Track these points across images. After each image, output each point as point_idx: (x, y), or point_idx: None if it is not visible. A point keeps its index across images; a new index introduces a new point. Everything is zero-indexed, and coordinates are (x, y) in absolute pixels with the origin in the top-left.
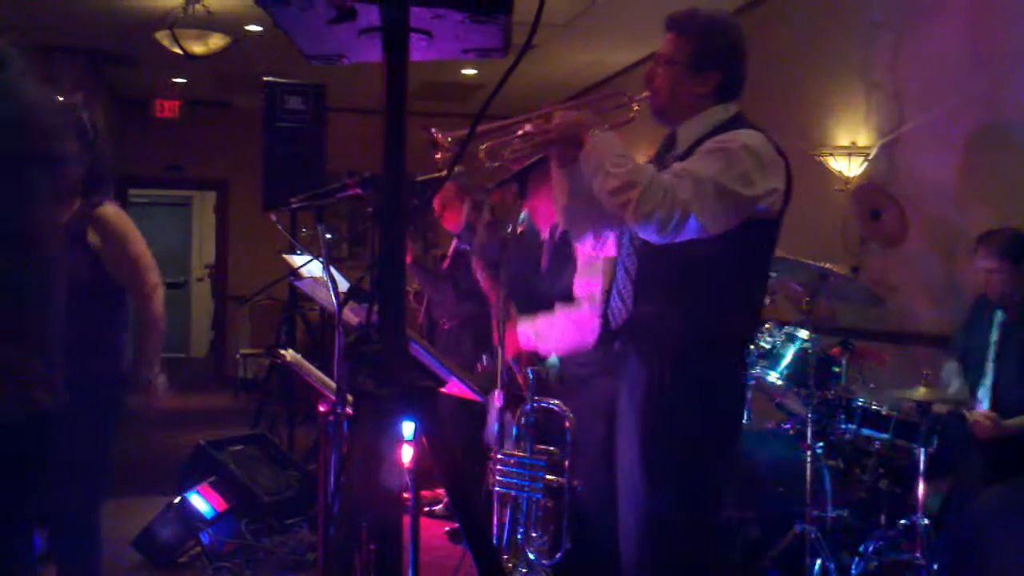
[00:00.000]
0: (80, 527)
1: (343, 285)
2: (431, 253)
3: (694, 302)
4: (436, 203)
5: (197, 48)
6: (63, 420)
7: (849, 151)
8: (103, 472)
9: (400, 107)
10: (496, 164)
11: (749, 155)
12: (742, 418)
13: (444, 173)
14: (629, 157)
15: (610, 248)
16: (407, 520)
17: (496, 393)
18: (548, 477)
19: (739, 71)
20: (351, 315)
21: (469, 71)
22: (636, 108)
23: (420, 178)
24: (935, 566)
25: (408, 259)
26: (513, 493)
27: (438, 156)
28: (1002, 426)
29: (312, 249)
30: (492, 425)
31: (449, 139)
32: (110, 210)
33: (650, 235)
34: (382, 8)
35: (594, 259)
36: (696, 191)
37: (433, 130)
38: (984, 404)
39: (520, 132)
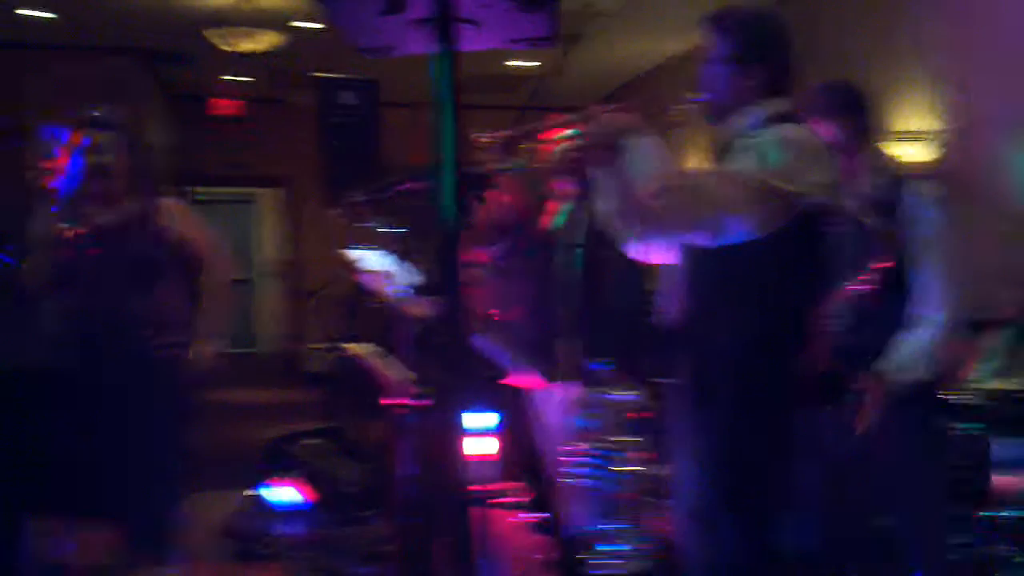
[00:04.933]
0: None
1: (406, 278)
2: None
3: (743, 302)
4: (494, 193)
5: (247, 45)
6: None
7: (911, 137)
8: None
9: (451, 97)
10: (538, 165)
11: (791, 149)
12: (793, 421)
13: (500, 166)
14: (671, 161)
15: (657, 253)
16: (479, 511)
17: (567, 384)
18: (620, 468)
19: (785, 63)
20: (415, 308)
21: (518, 62)
22: (685, 110)
23: (476, 170)
24: None
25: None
26: (586, 484)
27: (483, 159)
28: None
29: (375, 243)
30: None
31: (489, 140)
32: (172, 203)
33: (692, 239)
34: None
35: None
36: (736, 192)
37: (475, 133)
38: None
39: (564, 133)
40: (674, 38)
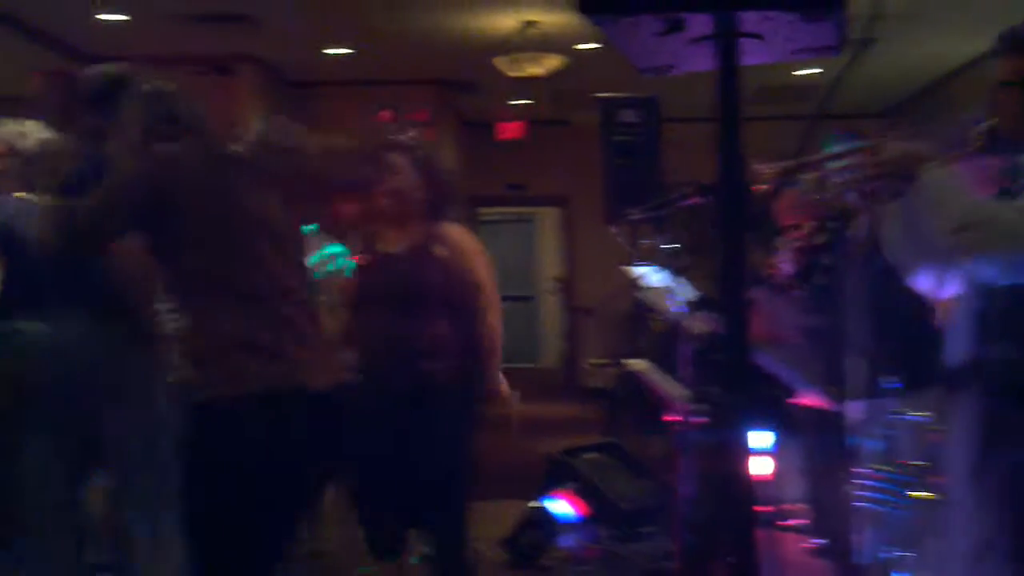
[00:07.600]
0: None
1: (685, 295)
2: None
3: None
4: (780, 206)
5: (534, 70)
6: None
7: None
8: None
9: (734, 113)
10: (818, 197)
11: None
12: None
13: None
14: (965, 192)
15: (951, 289)
16: (764, 533)
17: (855, 404)
18: (915, 493)
19: None
20: (694, 324)
21: (805, 71)
22: (979, 137)
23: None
24: None
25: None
26: (878, 509)
27: (757, 188)
28: None
29: (654, 260)
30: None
31: (768, 171)
32: (454, 229)
33: (990, 276)
34: (714, 16)
35: None
36: None
37: (756, 165)
38: None
39: (848, 163)
40: (972, 39)
